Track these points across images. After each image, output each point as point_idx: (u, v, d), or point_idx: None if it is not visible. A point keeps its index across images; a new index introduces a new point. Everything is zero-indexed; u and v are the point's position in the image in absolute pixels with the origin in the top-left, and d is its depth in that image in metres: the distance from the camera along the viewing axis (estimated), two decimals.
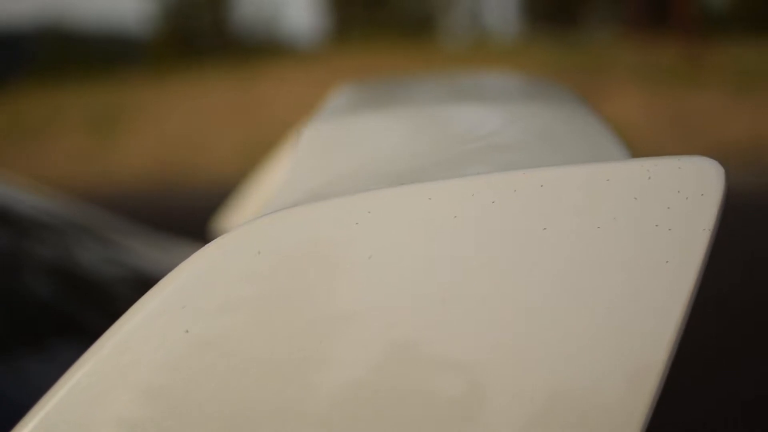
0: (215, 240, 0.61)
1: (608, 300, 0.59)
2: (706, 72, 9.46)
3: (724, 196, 0.58)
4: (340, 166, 0.74)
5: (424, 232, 0.60)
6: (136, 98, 10.61)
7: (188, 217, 4.10)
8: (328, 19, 17.64)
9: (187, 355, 0.59)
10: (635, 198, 0.60)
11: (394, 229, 0.61)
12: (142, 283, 1.09)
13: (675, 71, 9.51)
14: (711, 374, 3.00)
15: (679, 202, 0.58)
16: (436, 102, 0.99)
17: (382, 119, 0.88)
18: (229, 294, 0.59)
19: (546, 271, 0.60)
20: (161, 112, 10.10)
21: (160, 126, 9.60)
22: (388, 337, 0.59)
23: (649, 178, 0.60)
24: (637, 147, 6.83)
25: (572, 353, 0.60)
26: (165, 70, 12.17)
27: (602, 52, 10.93)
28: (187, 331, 0.59)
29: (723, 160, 0.62)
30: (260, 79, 11.11)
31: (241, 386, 0.59)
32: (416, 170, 0.70)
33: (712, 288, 1.90)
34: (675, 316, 0.59)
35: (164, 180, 7.93)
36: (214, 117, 9.76)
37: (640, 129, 7.78)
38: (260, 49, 14.44)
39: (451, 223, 0.61)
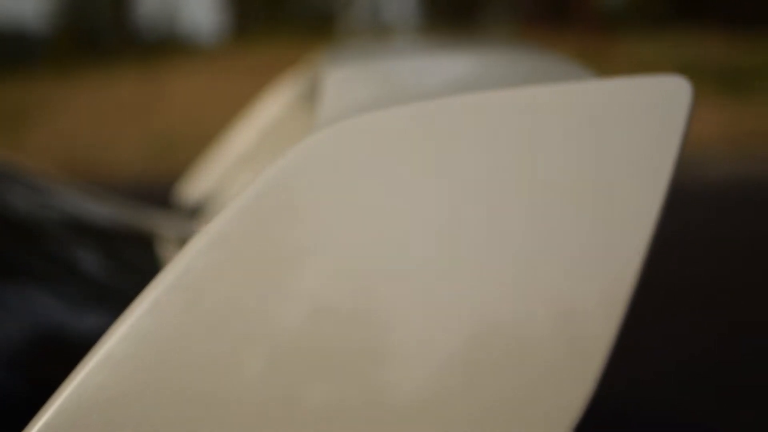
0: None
1: (576, 218, 0.60)
2: (604, 65, 9.69)
3: (691, 107, 0.61)
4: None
5: (372, 162, 0.60)
6: (39, 96, 10.36)
7: None
8: (230, 15, 17.48)
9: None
10: (613, 112, 0.61)
11: (353, 160, 0.60)
12: (76, 226, 1.09)
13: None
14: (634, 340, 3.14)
15: (653, 113, 0.61)
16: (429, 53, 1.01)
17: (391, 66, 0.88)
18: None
19: (513, 195, 0.60)
20: (65, 109, 9.90)
21: (64, 123, 9.41)
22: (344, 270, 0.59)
23: (623, 93, 0.61)
24: None
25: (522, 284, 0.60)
26: (67, 67, 11.91)
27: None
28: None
29: None
30: (164, 75, 10.97)
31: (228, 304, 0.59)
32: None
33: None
34: (646, 230, 0.60)
35: (70, 177, 7.81)
36: (119, 113, 9.60)
37: None
38: (163, 45, 14.26)
39: (414, 148, 0.61)
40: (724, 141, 7.91)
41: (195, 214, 1.36)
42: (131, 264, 1.06)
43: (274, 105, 1.35)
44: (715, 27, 12.23)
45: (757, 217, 5.47)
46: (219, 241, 0.58)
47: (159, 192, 4.71)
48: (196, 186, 1.39)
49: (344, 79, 0.79)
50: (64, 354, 0.79)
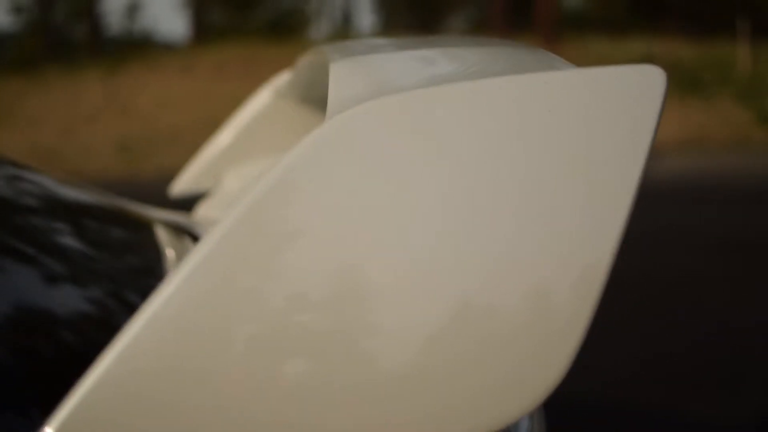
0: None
1: (557, 202, 0.61)
2: None
3: (665, 93, 0.64)
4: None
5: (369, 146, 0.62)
6: (6, 93, 10.27)
7: None
8: (193, 17, 17.37)
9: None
10: (593, 99, 0.63)
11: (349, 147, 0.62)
12: (57, 206, 1.09)
13: None
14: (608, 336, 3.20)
15: (631, 99, 0.63)
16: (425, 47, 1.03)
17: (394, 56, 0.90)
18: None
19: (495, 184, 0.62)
20: (30, 108, 9.81)
21: (33, 120, 9.33)
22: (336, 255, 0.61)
23: (603, 81, 0.64)
24: None
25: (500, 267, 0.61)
26: (32, 67, 11.79)
27: None
28: None
29: None
30: (128, 76, 10.89)
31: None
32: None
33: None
34: (622, 215, 0.61)
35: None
36: (84, 112, 9.53)
37: None
38: (127, 46, 14.14)
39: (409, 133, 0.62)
40: (680, 139, 8.01)
41: (184, 207, 1.39)
42: (114, 243, 1.08)
43: (261, 103, 1.40)
44: (672, 30, 12.36)
45: (717, 212, 5.58)
46: (238, 229, 0.61)
47: (127, 189, 4.70)
48: (184, 180, 1.43)
49: (348, 70, 0.82)
50: (46, 330, 0.80)
